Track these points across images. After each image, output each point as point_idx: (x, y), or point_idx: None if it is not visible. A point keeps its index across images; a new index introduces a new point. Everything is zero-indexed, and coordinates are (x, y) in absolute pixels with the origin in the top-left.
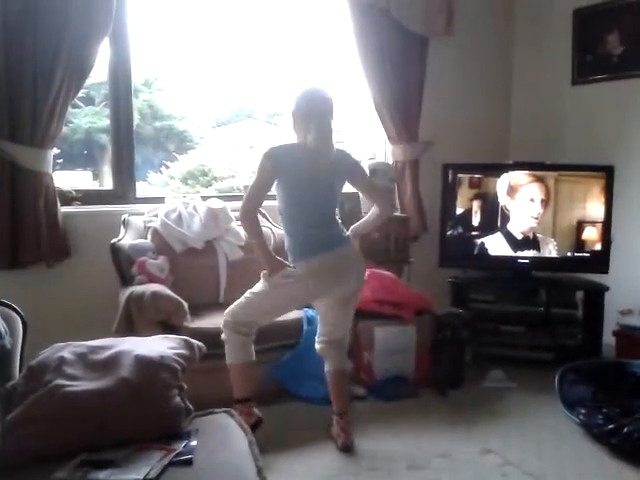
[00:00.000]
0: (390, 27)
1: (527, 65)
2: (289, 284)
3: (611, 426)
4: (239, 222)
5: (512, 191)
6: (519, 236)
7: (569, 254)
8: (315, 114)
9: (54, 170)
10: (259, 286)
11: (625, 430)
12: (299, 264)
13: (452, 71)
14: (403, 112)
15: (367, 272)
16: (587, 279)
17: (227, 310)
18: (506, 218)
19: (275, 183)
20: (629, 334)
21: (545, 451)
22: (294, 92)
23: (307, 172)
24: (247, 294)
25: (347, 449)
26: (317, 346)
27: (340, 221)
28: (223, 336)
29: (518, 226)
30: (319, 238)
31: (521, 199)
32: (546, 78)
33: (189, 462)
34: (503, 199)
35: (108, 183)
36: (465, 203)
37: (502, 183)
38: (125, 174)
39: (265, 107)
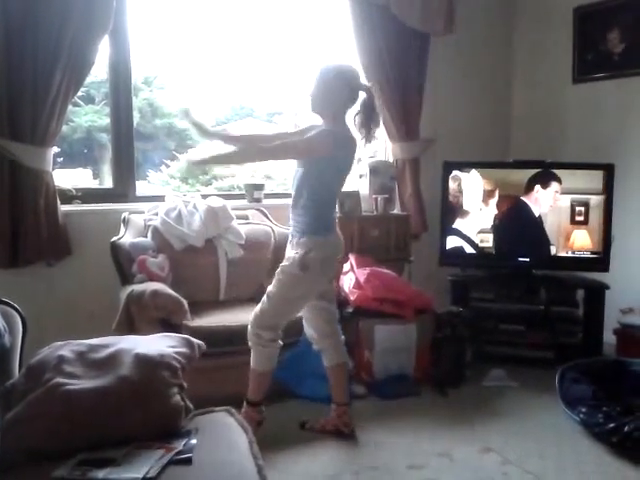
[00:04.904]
0: (390, 24)
1: (528, 63)
2: (308, 280)
3: (612, 425)
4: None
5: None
6: None
7: (569, 252)
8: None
9: (54, 168)
10: (279, 285)
11: (626, 429)
12: (327, 237)
13: (453, 69)
14: (403, 110)
15: (367, 270)
16: (587, 277)
17: (251, 319)
18: None
19: (315, 165)
20: (630, 332)
21: (545, 450)
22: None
23: (350, 158)
24: (269, 295)
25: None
26: (314, 345)
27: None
28: (250, 343)
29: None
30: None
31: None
32: (547, 76)
33: (189, 461)
34: None
35: (108, 182)
36: None
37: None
38: (125, 173)
39: (266, 105)
